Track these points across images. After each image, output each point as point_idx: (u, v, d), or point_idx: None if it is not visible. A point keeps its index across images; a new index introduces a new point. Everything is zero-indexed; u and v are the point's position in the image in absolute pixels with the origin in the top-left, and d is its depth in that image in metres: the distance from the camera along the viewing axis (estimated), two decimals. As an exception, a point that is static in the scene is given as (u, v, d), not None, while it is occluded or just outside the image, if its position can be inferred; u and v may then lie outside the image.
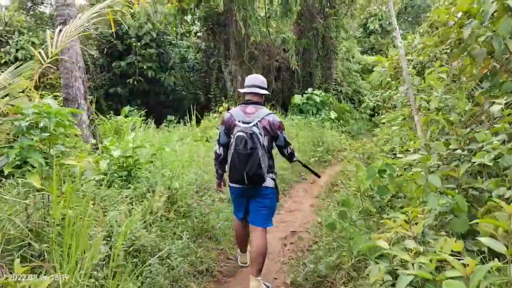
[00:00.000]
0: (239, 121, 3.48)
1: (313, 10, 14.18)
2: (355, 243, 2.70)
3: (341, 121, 12.90)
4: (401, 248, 2.06)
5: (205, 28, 16.07)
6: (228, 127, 3.56)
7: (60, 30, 3.59)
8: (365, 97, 15.27)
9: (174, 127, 11.12)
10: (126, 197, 4.15)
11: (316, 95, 12.52)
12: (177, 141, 8.19)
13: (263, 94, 3.69)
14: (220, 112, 9.80)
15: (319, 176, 4.31)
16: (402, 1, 21.31)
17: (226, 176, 3.81)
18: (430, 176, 2.57)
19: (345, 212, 3.43)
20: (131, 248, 3.33)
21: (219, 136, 3.71)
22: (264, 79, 3.82)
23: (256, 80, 3.73)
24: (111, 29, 16.22)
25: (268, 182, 3.58)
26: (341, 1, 14.18)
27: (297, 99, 12.31)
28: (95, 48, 17.49)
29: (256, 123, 3.44)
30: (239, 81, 14.12)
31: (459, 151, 2.83)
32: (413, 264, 1.89)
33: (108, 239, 3.22)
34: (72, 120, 3.20)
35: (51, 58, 3.38)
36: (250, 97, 3.66)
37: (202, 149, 7.26)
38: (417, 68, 6.45)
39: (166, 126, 11.43)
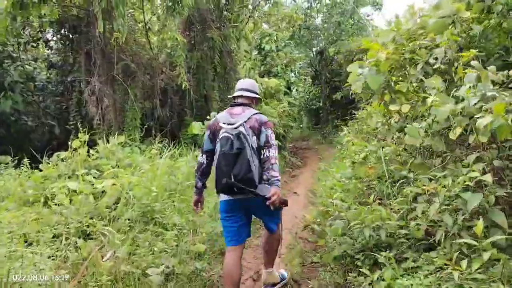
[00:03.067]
0: (224, 123, 3.22)
1: (206, 15, 11.02)
2: None
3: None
4: None
5: (59, 36, 11.84)
6: (214, 132, 3.30)
7: None
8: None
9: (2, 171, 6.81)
10: None
11: (223, 121, 9.27)
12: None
13: (252, 97, 3.48)
14: (75, 149, 5.82)
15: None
16: (294, 24, 19.53)
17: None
18: None
19: None
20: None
21: (204, 142, 3.39)
22: (254, 82, 3.63)
23: (244, 83, 3.57)
24: None
25: (265, 190, 3.03)
26: (241, 5, 11.22)
27: (196, 127, 8.84)
28: None
29: (242, 124, 3.16)
30: (107, 106, 10.14)
31: None
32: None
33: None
34: None
35: None
36: (238, 99, 3.45)
37: (28, 227, 3.39)
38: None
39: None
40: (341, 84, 19.38)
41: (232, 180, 2.97)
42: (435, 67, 3.42)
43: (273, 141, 3.18)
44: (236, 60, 11.55)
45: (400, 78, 4.04)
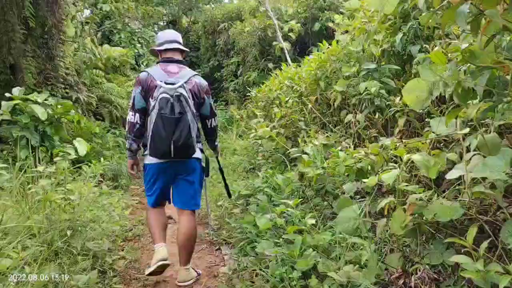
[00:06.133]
0: (161, 81, 2.90)
1: None
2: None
3: (93, 158, 6.15)
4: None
5: None
6: (146, 89, 2.94)
7: None
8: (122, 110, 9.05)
9: None
10: None
11: (36, 102, 5.41)
12: None
13: (185, 51, 3.23)
14: None
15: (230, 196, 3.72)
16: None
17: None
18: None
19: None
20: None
21: (133, 100, 2.99)
22: (178, 33, 3.33)
23: (173, 34, 3.22)
24: None
25: (197, 153, 3.09)
26: None
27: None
28: None
29: (183, 84, 2.93)
30: None
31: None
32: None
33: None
34: None
35: None
36: (171, 55, 3.13)
37: None
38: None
39: None
40: (199, 60, 16.71)
41: (171, 146, 2.81)
42: None
43: (214, 107, 3.23)
44: (61, 13, 7.78)
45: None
